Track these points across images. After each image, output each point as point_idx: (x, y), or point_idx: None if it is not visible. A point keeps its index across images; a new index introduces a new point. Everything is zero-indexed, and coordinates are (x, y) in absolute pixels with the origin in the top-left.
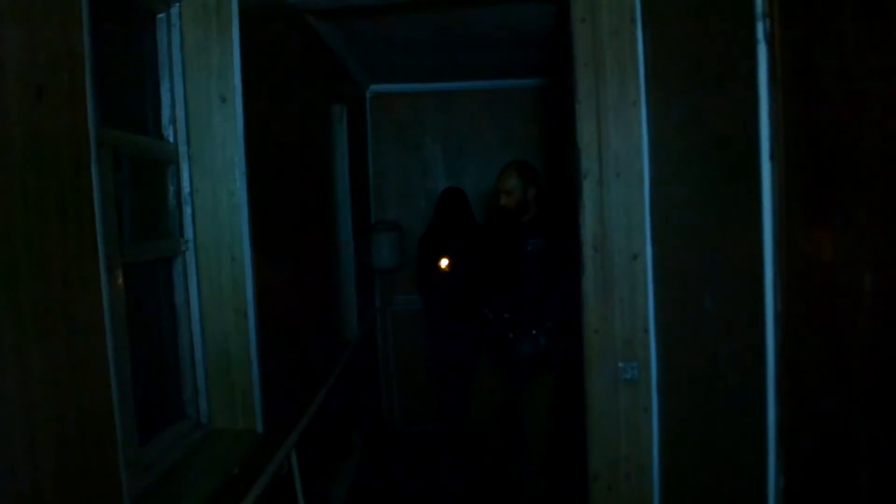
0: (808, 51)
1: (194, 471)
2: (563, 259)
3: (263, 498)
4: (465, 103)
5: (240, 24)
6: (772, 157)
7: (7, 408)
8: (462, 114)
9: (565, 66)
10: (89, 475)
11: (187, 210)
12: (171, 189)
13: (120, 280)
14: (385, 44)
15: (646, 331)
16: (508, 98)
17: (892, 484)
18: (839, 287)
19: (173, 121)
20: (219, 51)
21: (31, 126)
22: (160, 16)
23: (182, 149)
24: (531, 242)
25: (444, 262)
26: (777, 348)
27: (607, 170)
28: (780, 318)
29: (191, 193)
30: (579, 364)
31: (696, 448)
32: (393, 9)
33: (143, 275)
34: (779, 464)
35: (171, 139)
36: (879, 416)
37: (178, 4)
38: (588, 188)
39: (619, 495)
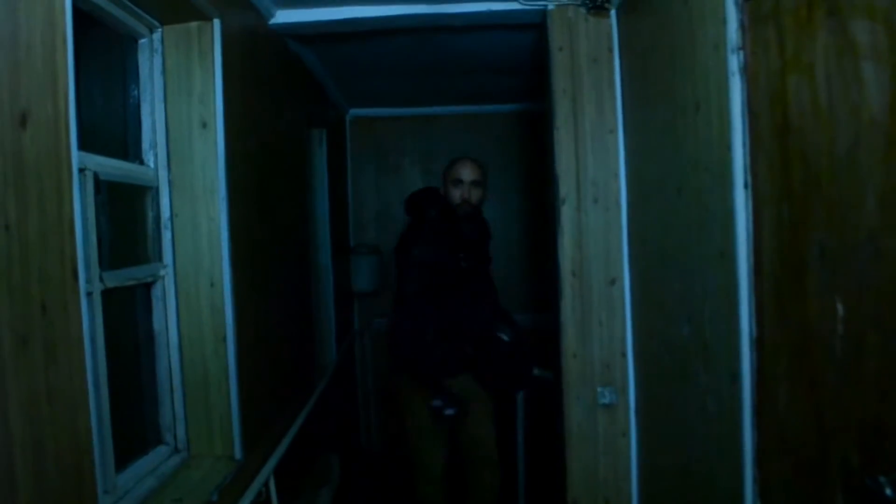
0: (781, 83)
1: (172, 498)
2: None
3: None
4: (445, 128)
5: (222, 49)
6: (745, 185)
7: None
8: (442, 138)
9: (544, 93)
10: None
11: (167, 235)
12: (151, 214)
13: (99, 306)
14: (365, 69)
15: (623, 355)
16: (488, 123)
17: None
18: (813, 314)
19: (154, 145)
20: (200, 76)
21: (14, 153)
22: (142, 41)
23: (162, 173)
24: (475, 239)
25: None
26: (753, 373)
27: (585, 195)
28: (755, 344)
29: (170, 218)
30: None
31: (673, 473)
32: (374, 34)
33: (122, 300)
34: (755, 489)
35: (152, 164)
36: (853, 442)
37: (160, 30)
38: (566, 214)
39: None
